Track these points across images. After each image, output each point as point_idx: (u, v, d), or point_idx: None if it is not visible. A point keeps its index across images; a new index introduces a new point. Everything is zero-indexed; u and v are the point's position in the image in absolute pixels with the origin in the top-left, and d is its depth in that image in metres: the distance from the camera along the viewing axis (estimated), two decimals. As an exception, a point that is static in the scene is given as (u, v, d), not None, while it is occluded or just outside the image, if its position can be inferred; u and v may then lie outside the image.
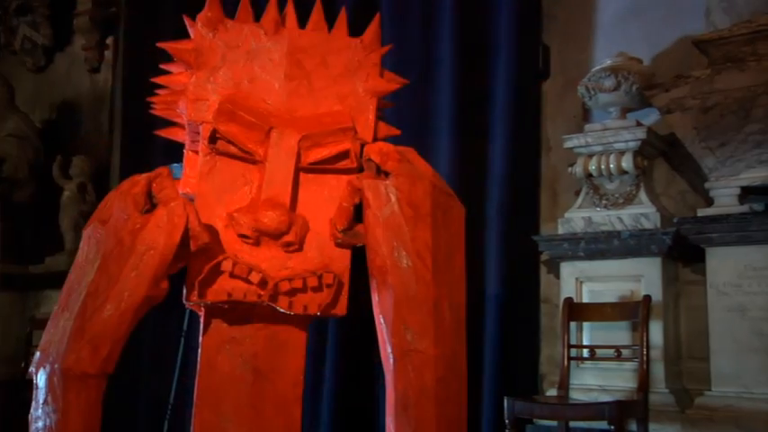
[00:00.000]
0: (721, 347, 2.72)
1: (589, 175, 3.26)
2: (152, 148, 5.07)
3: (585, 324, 3.13)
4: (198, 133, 1.68)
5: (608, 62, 3.33)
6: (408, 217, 1.58)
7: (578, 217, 3.25)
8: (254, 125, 1.63)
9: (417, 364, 1.52)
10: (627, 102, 3.26)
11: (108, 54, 5.87)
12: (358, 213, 1.60)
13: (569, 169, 3.40)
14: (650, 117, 3.41)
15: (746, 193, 2.75)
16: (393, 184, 1.59)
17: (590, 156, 3.25)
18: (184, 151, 1.88)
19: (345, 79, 1.71)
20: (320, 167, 1.66)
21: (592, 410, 2.52)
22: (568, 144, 3.35)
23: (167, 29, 5.21)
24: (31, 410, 1.46)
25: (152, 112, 1.80)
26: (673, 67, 3.41)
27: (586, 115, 3.70)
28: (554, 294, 3.65)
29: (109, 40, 5.88)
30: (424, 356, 1.53)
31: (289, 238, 1.59)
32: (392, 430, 1.53)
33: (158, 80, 1.75)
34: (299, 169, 1.63)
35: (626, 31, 3.62)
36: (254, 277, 1.56)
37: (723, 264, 2.74)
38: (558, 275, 3.56)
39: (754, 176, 2.71)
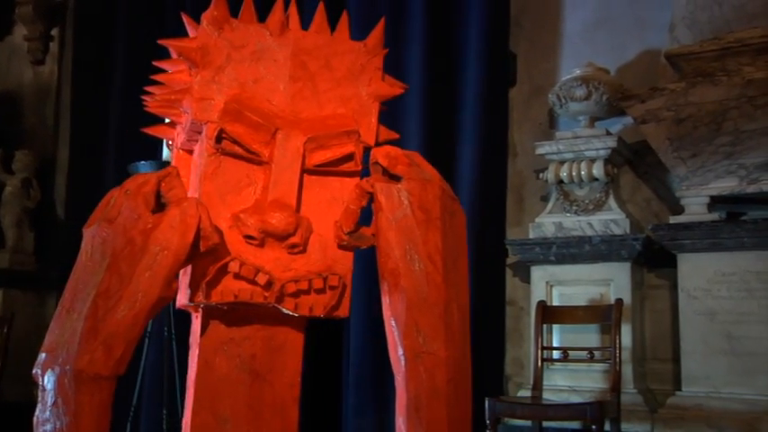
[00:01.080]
0: (691, 349, 2.84)
1: (560, 182, 3.35)
2: (103, 143, 4.97)
3: (555, 326, 3.21)
4: (199, 133, 1.66)
5: (577, 72, 3.43)
6: (420, 220, 1.60)
7: (549, 222, 3.34)
8: (261, 126, 1.62)
9: (429, 365, 1.55)
10: (596, 111, 3.37)
11: (53, 46, 5.72)
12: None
13: (541, 175, 3.49)
14: (615, 126, 3.54)
15: (715, 202, 2.88)
16: (405, 188, 1.61)
17: (561, 162, 3.34)
18: (173, 150, 1.85)
19: (349, 82, 1.72)
20: (324, 170, 1.66)
21: (574, 411, 2.59)
22: (540, 151, 3.43)
23: (120, 22, 5.12)
24: (37, 413, 1.42)
25: (146, 109, 1.76)
26: (636, 79, 3.54)
27: (552, 122, 3.81)
28: (519, 297, 3.73)
29: (54, 32, 5.72)
30: (436, 358, 1.55)
31: (295, 239, 1.58)
32: (404, 431, 1.55)
33: (159, 77, 1.72)
34: (303, 171, 1.63)
35: (591, 42, 3.73)
36: (261, 278, 1.55)
37: (694, 269, 2.86)
38: (523, 278, 3.65)
39: (723, 186, 2.84)
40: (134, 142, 4.76)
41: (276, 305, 1.55)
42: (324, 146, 1.62)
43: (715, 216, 2.86)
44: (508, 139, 3.81)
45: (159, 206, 1.52)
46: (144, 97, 1.75)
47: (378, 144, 1.70)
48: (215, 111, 1.60)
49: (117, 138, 4.87)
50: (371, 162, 1.66)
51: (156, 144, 4.52)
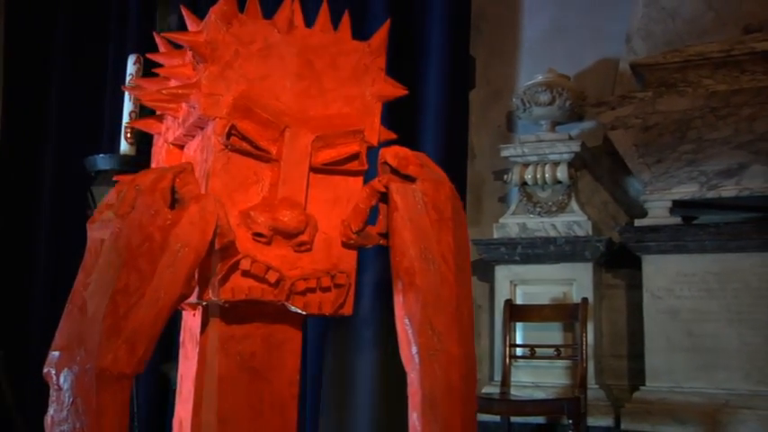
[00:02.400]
0: (655, 346, 2.98)
1: (523, 184, 3.46)
2: (40, 133, 4.77)
3: (518, 324, 3.31)
4: (201, 128, 1.66)
5: (540, 78, 3.54)
6: (433, 220, 1.64)
7: (513, 223, 3.44)
8: (270, 123, 1.62)
9: (444, 363, 1.59)
10: (558, 116, 3.49)
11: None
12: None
13: (505, 176, 3.59)
14: (573, 131, 3.67)
15: (676, 206, 3.05)
16: (419, 188, 1.65)
17: (525, 165, 3.45)
18: (161, 144, 1.83)
19: (353, 82, 1.73)
20: (329, 168, 1.68)
21: (552, 406, 2.67)
22: (505, 153, 3.53)
23: (60, 8, 4.92)
24: (51, 413, 1.39)
25: (144, 102, 1.74)
26: (593, 86, 3.69)
27: (510, 125, 3.91)
28: (477, 295, 3.81)
29: (-19, 14, 5.46)
30: (450, 356, 1.59)
31: (303, 237, 1.60)
32: (418, 428, 1.59)
33: (162, 71, 1.70)
34: (310, 170, 1.65)
35: (549, 49, 3.85)
36: (272, 276, 1.56)
37: (658, 270, 3.00)
38: (481, 277, 3.73)
39: (684, 191, 3.00)
40: (74, 133, 4.62)
41: (286, 303, 1.56)
42: (329, 145, 1.64)
43: (677, 219, 3.02)
44: (468, 141, 3.88)
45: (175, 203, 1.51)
46: (132, 90, 1.71)
47: (382, 144, 1.73)
48: (224, 107, 1.59)
49: (56, 128, 4.69)
50: (380, 162, 1.68)
51: (97, 135, 4.40)
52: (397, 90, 1.78)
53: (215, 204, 1.49)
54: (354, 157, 1.65)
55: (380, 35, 1.76)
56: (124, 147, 3.40)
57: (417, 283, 1.56)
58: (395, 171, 1.68)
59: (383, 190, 1.63)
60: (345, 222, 1.61)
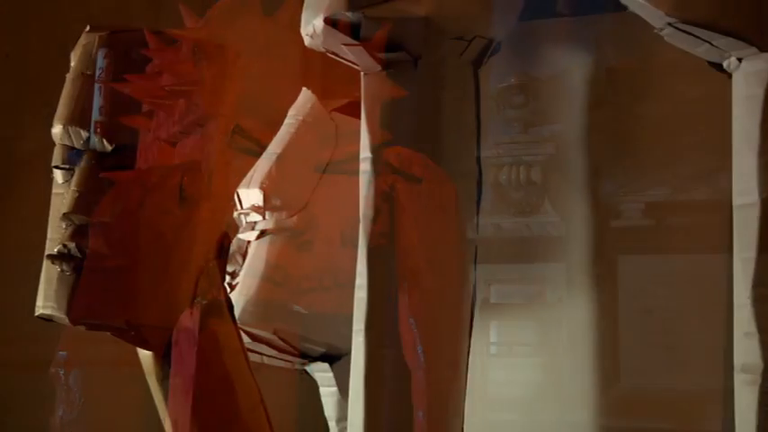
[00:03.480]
0: (631, 344, 3.05)
1: (498, 184, 3.49)
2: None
3: (493, 323, 3.34)
4: (201, 126, 1.66)
5: (513, 80, 3.58)
6: (440, 221, 1.68)
7: (489, 223, 3.47)
8: (273, 122, 1.64)
9: (450, 361, 1.63)
10: (530, 118, 3.54)
11: None
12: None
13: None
14: (544, 133, 3.73)
15: (649, 208, 3.12)
16: (426, 189, 1.69)
17: (500, 166, 3.48)
18: (153, 141, 1.83)
19: (354, 81, 1.76)
20: (330, 167, 1.70)
21: (534, 403, 2.71)
22: (478, 154, 3.56)
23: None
24: (60, 414, 1.39)
25: (139, 98, 1.73)
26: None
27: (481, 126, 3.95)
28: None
29: None
30: (455, 355, 1.64)
31: (307, 236, 1.62)
32: (425, 426, 1.62)
33: (154, 67, 1.70)
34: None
35: (521, 51, 3.89)
36: (277, 275, 1.58)
37: (633, 270, 3.07)
38: (452, 277, 3.77)
39: (658, 194, 3.07)
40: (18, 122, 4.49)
41: (288, 302, 1.57)
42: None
43: (652, 221, 3.10)
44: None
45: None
46: (119, 85, 1.72)
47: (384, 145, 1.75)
48: (227, 104, 1.60)
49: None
50: (383, 162, 1.70)
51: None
52: (396, 90, 1.80)
53: (225, 204, 1.50)
54: (356, 156, 1.67)
55: (381, 36, 1.79)
56: (93, 141, 3.31)
57: (423, 284, 1.59)
58: (397, 171, 1.70)
59: (388, 190, 1.65)
60: (348, 222, 1.63)
